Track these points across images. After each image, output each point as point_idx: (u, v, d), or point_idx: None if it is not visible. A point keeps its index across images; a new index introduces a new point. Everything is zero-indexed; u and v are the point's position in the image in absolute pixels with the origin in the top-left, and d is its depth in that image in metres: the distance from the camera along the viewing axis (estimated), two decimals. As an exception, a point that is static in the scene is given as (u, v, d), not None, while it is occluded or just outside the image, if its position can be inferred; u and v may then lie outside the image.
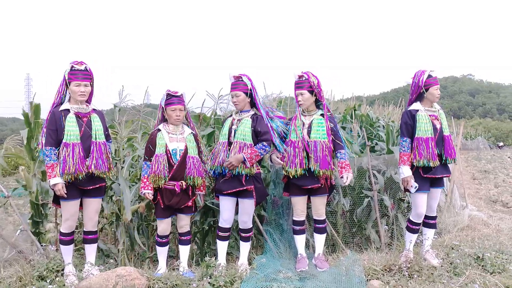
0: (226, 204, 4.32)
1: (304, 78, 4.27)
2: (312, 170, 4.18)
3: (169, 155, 4.10)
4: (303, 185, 4.26)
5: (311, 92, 4.27)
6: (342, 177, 4.24)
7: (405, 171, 4.32)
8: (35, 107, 5.07)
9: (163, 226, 4.27)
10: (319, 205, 4.42)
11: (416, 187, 4.28)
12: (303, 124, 4.30)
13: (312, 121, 4.31)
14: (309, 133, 4.26)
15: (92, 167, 3.86)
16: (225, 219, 4.34)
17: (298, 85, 4.30)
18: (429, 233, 4.50)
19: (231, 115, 4.41)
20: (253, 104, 4.36)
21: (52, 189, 3.91)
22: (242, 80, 4.23)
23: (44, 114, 4.98)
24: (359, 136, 6.20)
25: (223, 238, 4.40)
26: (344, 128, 6.38)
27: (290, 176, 4.24)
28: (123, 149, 5.55)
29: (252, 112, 4.29)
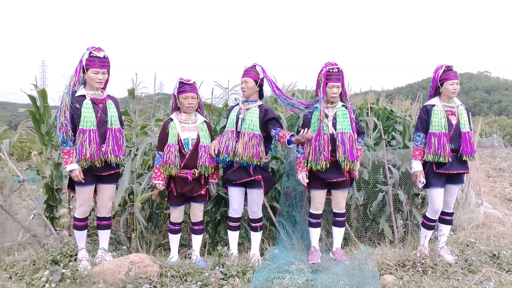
0: (235, 195, 4.31)
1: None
2: (339, 162, 4.11)
3: (181, 144, 4.09)
4: (327, 178, 4.20)
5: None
6: None
7: (415, 166, 4.33)
8: (42, 92, 5.07)
9: (176, 213, 4.28)
10: (341, 198, 4.38)
11: (423, 182, 4.27)
12: (327, 116, 4.23)
13: (336, 112, 4.25)
14: (334, 125, 4.20)
15: (108, 153, 3.86)
16: (235, 209, 4.34)
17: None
18: (445, 229, 4.45)
19: (238, 104, 4.38)
20: (261, 96, 4.32)
21: (69, 175, 3.92)
22: (254, 69, 4.19)
23: (54, 100, 5.00)
24: (374, 129, 6.13)
25: (233, 228, 4.39)
26: (360, 121, 6.31)
27: (314, 170, 4.17)
28: (137, 136, 5.56)
29: (259, 103, 4.25)
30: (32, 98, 5.04)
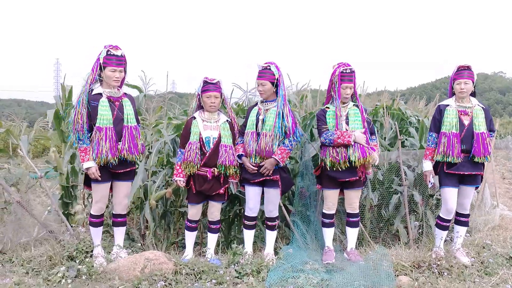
0: (252, 193, 4.31)
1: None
2: (351, 161, 4.07)
3: (202, 143, 4.10)
4: (340, 177, 4.18)
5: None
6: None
7: (425, 166, 4.37)
8: (69, 90, 5.13)
9: (194, 211, 4.30)
10: (354, 198, 4.36)
11: (432, 183, 4.30)
12: (340, 116, 4.20)
13: (348, 112, 4.24)
14: (347, 124, 4.19)
15: (124, 151, 3.89)
16: (251, 208, 4.34)
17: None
18: (461, 230, 4.41)
19: (256, 104, 4.38)
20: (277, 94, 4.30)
21: (85, 173, 3.95)
22: (270, 69, 4.17)
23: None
24: (390, 130, 6.08)
25: (249, 227, 4.39)
26: (375, 122, 6.26)
27: (334, 168, 4.13)
28: (151, 135, 5.59)
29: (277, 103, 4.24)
30: (57, 97, 5.11)
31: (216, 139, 4.13)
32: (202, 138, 4.11)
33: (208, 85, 4.13)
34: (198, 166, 4.08)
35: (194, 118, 4.20)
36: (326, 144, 4.16)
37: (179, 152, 4.20)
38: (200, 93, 4.18)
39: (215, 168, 4.11)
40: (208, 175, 4.09)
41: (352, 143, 4.04)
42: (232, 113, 4.39)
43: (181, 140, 4.26)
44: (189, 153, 4.05)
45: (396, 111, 6.56)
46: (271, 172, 4.15)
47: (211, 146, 4.11)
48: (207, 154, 4.09)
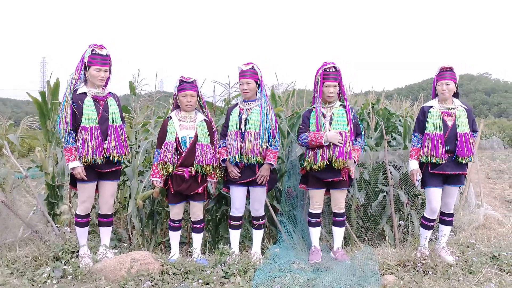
0: (237, 194, 4.33)
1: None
2: (330, 161, 4.09)
3: (178, 143, 4.09)
4: (324, 178, 4.20)
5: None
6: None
7: (411, 165, 4.41)
8: (54, 86, 5.06)
9: (175, 210, 4.30)
10: (340, 198, 4.38)
11: (419, 180, 4.35)
12: (324, 116, 4.24)
13: (333, 112, 4.26)
14: (330, 124, 4.21)
15: (111, 150, 3.87)
16: (237, 208, 4.35)
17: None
18: (445, 230, 4.46)
19: (236, 105, 4.38)
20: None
21: (71, 173, 3.92)
22: (253, 69, 4.20)
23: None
24: (376, 130, 6.13)
25: (235, 227, 4.40)
26: (361, 121, 6.30)
27: (313, 168, 4.17)
28: (138, 134, 5.55)
29: (259, 102, 4.26)
30: (42, 92, 5.04)
31: (193, 139, 4.11)
32: (178, 138, 4.10)
33: (184, 84, 4.11)
34: (175, 166, 4.07)
35: (171, 118, 4.19)
36: (303, 146, 4.26)
37: (156, 153, 4.20)
38: (176, 92, 4.16)
39: (192, 168, 4.10)
40: (185, 175, 4.09)
41: (325, 144, 4.08)
42: (208, 112, 4.37)
43: (157, 140, 4.25)
44: (165, 153, 4.04)
45: (382, 110, 6.62)
46: (268, 178, 4.21)
47: (187, 145, 4.09)
48: (183, 154, 4.08)
